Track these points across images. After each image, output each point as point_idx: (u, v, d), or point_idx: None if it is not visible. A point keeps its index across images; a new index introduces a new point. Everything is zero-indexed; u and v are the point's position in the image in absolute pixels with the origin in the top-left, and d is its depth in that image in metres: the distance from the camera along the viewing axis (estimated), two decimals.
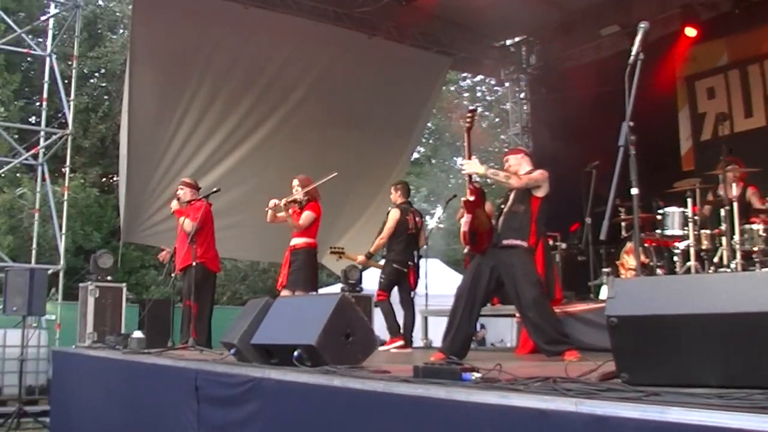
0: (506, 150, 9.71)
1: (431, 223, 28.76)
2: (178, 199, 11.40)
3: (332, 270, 17.25)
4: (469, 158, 7.70)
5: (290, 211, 10.64)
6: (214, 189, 11.25)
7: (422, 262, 11.66)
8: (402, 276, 11.37)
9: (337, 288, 16.46)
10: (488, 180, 8.32)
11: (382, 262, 11.68)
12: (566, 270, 12.74)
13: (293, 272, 10.69)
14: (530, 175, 7.99)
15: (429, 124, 31.87)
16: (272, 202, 10.57)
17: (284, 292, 10.52)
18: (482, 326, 22.80)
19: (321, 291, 12.58)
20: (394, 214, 11.39)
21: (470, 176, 7.82)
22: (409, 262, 11.40)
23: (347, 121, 16.23)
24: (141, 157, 14.46)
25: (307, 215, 10.70)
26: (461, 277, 8.40)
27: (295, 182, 10.94)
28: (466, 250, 10.07)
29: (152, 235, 15.18)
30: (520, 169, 8.16)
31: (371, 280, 14.16)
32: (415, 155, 34.15)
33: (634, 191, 5.27)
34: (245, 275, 30.54)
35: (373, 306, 12.99)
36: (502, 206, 8.07)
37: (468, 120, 7.73)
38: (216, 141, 15.26)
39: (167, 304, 12.11)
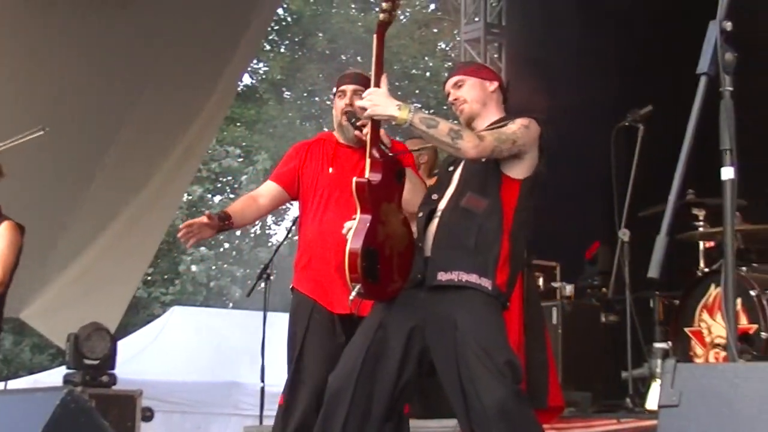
0: (451, 69, 4.72)
1: (279, 232, 22.09)
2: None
3: (45, 335, 10.08)
4: (378, 84, 3.81)
5: None
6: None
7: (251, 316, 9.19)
8: None
9: (57, 376, 9.17)
10: (414, 134, 4.34)
11: None
12: (575, 343, 7.03)
13: None
14: (503, 129, 3.86)
15: (281, 12, 22.21)
16: None
17: None
18: None
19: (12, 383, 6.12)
20: None
21: (374, 124, 3.87)
22: None
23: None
24: None
25: None
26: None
27: None
28: (353, 293, 3.79)
29: None
30: (482, 115, 4.04)
31: (143, 359, 11.24)
32: (246, 81, 22.89)
33: (728, 173, 2.70)
34: None
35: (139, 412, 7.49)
36: (435, 196, 4.01)
37: (388, 5, 3.83)
38: None
39: None
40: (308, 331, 4.66)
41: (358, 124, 4.50)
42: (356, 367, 3.80)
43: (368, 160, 3.85)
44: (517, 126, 3.85)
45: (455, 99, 4.06)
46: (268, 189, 4.89)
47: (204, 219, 4.44)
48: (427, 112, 3.80)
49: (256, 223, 24.25)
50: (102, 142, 8.21)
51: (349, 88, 4.74)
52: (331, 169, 4.76)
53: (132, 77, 8.52)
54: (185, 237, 4.43)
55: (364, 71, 4.78)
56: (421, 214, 3.97)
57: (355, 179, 3.82)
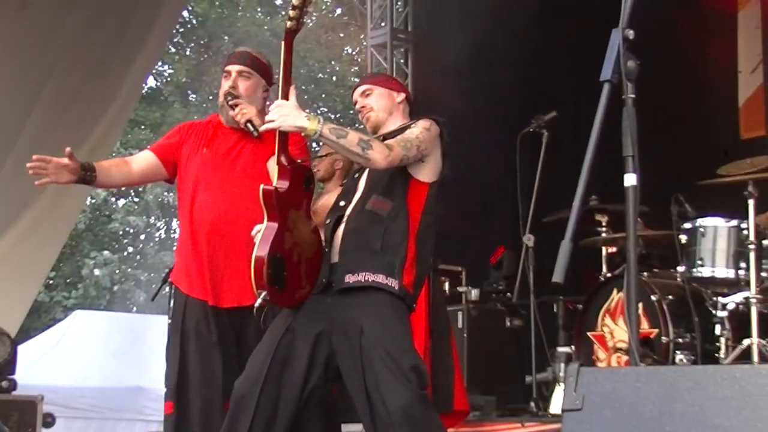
0: (358, 75, 4.21)
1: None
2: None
3: None
4: (286, 96, 3.79)
5: None
6: None
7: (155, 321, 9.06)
8: None
9: None
10: (322, 145, 4.42)
11: None
12: (481, 348, 7.09)
13: None
14: (407, 135, 3.89)
15: (186, 15, 22.55)
16: None
17: None
18: None
19: None
20: None
21: (282, 135, 3.84)
22: None
23: None
24: None
25: None
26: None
27: None
28: (259, 300, 3.74)
29: None
30: (387, 125, 4.11)
31: (45, 364, 11.04)
32: (151, 83, 22.98)
33: (630, 179, 2.77)
34: None
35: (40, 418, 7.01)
36: (343, 203, 4.05)
37: (295, 13, 3.84)
38: None
39: None
40: (183, 334, 4.47)
41: (230, 103, 4.44)
42: (262, 372, 3.79)
43: (276, 167, 3.82)
44: (419, 130, 3.89)
45: (362, 107, 4.12)
46: (143, 157, 4.67)
47: (64, 160, 4.18)
48: (333, 116, 3.80)
49: (161, 227, 24.01)
50: (3, 144, 8.05)
51: (234, 68, 4.59)
52: (205, 149, 4.57)
53: (34, 78, 8.35)
54: (35, 172, 4.19)
55: (254, 50, 4.72)
56: (328, 221, 3.98)
57: (262, 186, 3.78)
